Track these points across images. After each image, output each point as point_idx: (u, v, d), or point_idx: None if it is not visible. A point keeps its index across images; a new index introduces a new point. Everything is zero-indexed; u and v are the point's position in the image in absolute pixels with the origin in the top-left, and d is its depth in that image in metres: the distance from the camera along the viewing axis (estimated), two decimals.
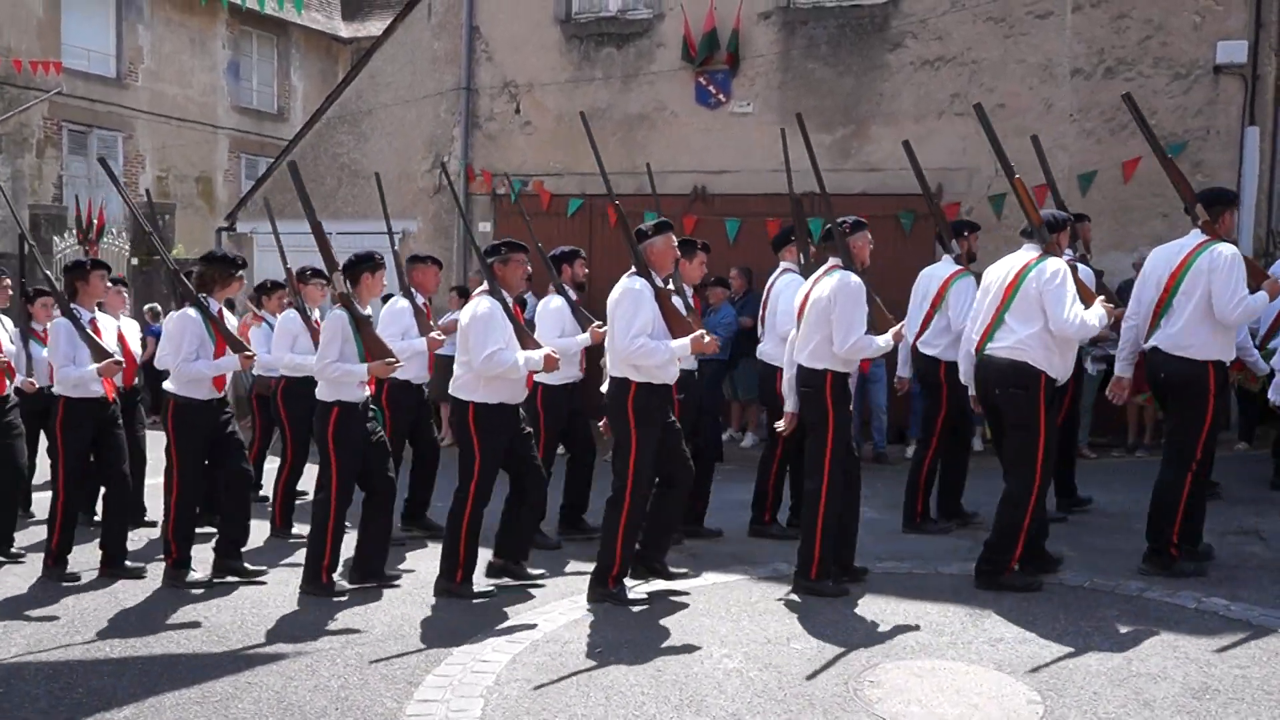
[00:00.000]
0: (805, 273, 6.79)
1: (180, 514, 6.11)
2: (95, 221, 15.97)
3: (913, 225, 10.84)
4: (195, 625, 5.41)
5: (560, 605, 5.61)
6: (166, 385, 6.12)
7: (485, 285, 5.84)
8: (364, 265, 6.01)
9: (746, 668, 4.66)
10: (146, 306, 13.05)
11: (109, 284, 6.75)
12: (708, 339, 5.50)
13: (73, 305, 6.29)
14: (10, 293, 7.61)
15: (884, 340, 5.64)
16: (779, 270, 7.18)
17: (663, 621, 5.32)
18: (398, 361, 5.96)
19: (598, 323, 6.47)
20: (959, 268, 7.05)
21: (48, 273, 6.76)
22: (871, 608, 5.46)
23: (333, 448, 5.85)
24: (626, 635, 5.12)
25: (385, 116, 13.51)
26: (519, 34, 12.79)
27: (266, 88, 23.99)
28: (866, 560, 6.24)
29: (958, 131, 10.85)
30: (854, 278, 5.61)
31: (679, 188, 11.80)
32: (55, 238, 17.26)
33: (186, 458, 6.11)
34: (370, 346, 5.86)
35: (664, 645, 4.97)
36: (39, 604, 5.80)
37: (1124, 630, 5.03)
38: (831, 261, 5.79)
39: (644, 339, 5.38)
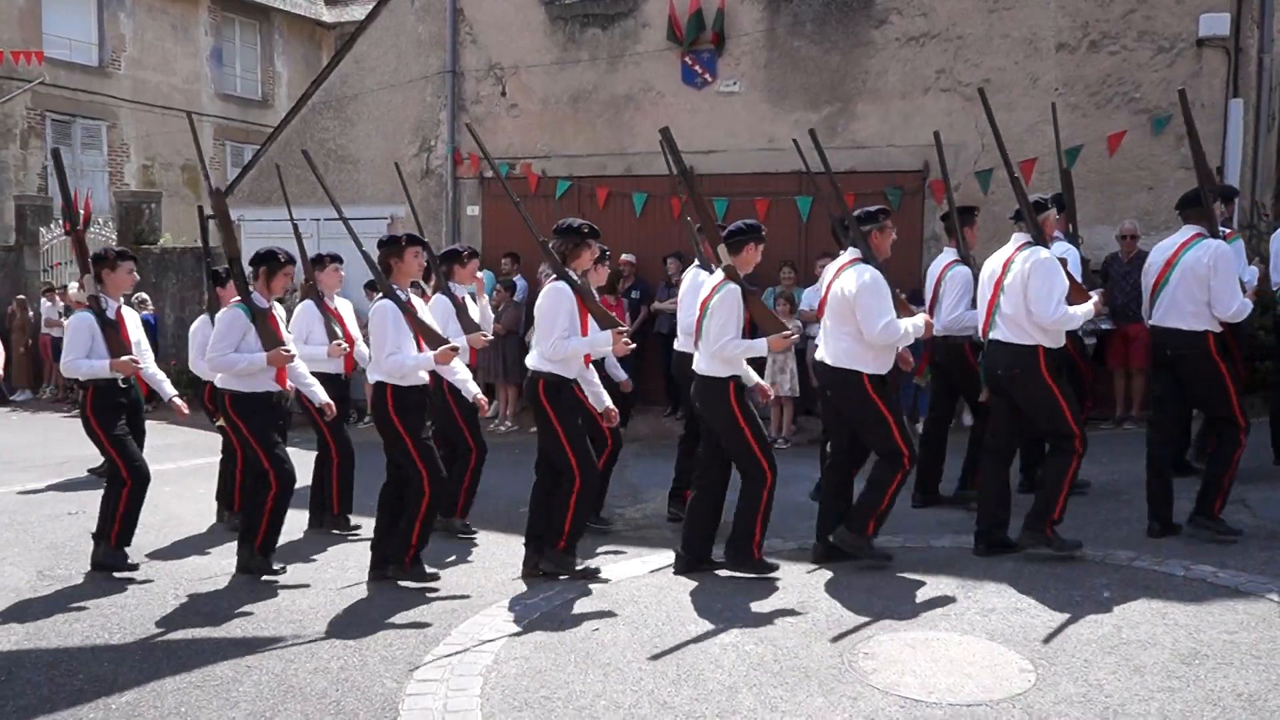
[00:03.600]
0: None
1: (583, 501, 5.69)
2: (81, 211, 15.85)
3: (900, 201, 10.86)
4: (194, 612, 5.44)
5: (558, 584, 5.66)
6: (532, 364, 5.71)
7: (853, 254, 5.75)
8: (750, 235, 5.67)
9: (742, 641, 4.71)
10: (135, 296, 13.00)
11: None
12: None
13: (394, 286, 5.81)
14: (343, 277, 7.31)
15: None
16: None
17: (658, 599, 5.38)
18: (794, 334, 5.72)
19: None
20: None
21: (365, 250, 5.99)
22: (865, 581, 5.52)
23: (744, 422, 5.61)
24: (622, 613, 5.17)
25: (371, 101, 13.47)
26: (503, 16, 12.75)
27: (250, 74, 23.86)
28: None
29: (943, 108, 10.87)
30: (1225, 245, 5.95)
31: (666, 169, 11.78)
32: (42, 229, 17.21)
33: (575, 435, 5.66)
34: (763, 321, 5.61)
35: (660, 622, 5.02)
36: (37, 592, 5.83)
37: (1113, 598, 5.10)
38: (1194, 230, 6.05)
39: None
